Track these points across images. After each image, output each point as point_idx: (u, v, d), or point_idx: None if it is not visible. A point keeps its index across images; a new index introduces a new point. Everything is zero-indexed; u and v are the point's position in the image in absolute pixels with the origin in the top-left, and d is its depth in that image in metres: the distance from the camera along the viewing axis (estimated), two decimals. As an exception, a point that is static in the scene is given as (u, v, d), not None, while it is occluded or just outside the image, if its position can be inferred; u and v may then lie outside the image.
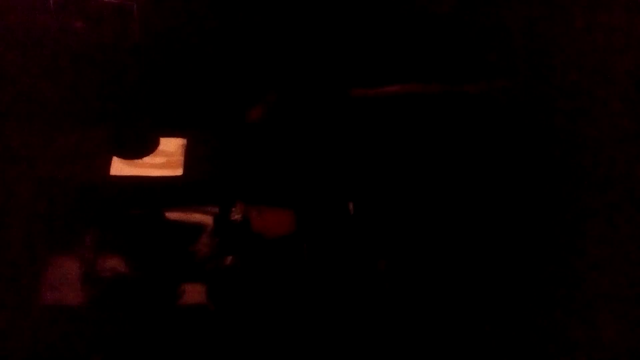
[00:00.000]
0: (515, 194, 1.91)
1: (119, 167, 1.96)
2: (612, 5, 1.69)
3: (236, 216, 1.88)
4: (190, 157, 2.02)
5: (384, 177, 1.96)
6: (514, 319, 1.81)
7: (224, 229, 1.87)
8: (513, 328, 1.80)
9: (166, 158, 2.01)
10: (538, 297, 1.80)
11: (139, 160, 1.98)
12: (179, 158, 2.02)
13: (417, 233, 1.91)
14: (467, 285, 1.86)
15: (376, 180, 1.96)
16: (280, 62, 1.99)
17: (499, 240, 1.89)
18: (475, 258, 1.89)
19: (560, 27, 1.80)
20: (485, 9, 1.88)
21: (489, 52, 1.92)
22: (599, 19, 1.72)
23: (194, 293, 1.78)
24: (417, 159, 1.96)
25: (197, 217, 1.89)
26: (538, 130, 1.90)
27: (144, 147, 2.00)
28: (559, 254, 1.80)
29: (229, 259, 1.84)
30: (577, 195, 1.78)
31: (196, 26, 1.94)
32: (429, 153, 1.95)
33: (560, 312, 1.76)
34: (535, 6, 1.84)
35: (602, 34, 1.71)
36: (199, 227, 1.87)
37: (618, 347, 1.62)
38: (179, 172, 1.99)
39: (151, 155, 2.00)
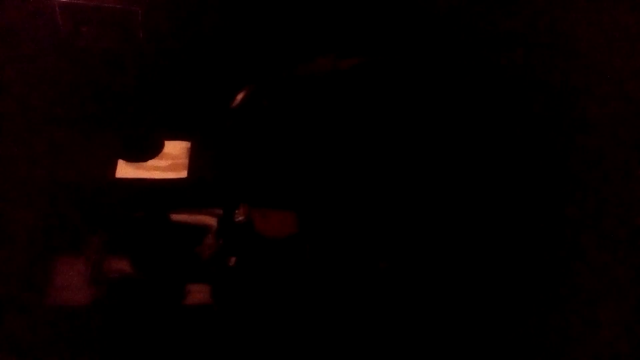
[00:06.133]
0: (515, 196, 1.92)
1: (125, 170, 1.98)
2: (612, 4, 1.69)
3: (240, 218, 1.89)
4: (194, 159, 2.04)
5: (386, 176, 1.98)
6: (513, 318, 1.82)
7: (228, 230, 1.89)
8: (513, 328, 1.81)
9: (171, 161, 2.03)
10: (538, 297, 1.81)
11: (144, 163, 2.00)
12: (184, 161, 2.04)
13: (419, 233, 1.93)
14: (467, 286, 1.87)
15: (378, 181, 1.97)
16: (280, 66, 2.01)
17: (499, 242, 1.90)
18: (476, 259, 1.90)
19: (562, 27, 1.81)
20: (482, 10, 1.89)
21: (485, 52, 1.93)
22: (598, 18, 1.72)
23: (198, 293, 1.79)
24: (416, 156, 1.97)
25: (201, 218, 1.90)
26: (536, 132, 1.91)
27: (149, 150, 2.02)
28: (558, 255, 1.81)
29: (233, 259, 1.85)
30: (578, 196, 1.79)
31: (200, 31, 1.96)
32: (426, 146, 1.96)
33: (561, 312, 1.76)
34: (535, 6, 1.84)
35: (602, 31, 1.71)
36: (203, 229, 1.89)
37: (618, 347, 1.62)
38: (183, 174, 2.01)
39: (156, 158, 2.02)
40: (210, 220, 1.90)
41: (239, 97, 1.91)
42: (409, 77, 1.99)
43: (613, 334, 1.63)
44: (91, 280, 1.76)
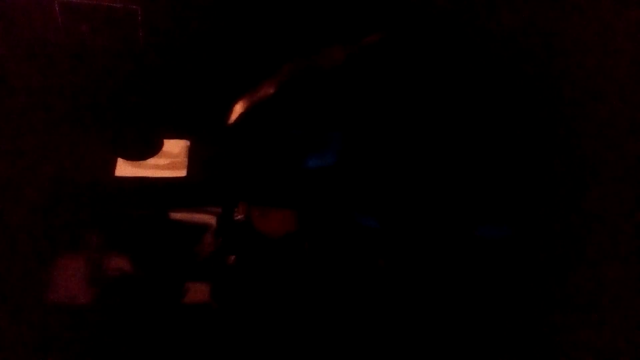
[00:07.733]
0: (516, 195, 1.92)
1: (124, 168, 1.98)
2: (609, 3, 1.70)
3: (239, 216, 1.90)
4: (193, 158, 2.04)
5: (386, 175, 1.98)
6: (514, 317, 1.82)
7: (227, 228, 1.89)
8: (513, 327, 1.81)
9: (170, 159, 2.03)
10: (538, 297, 1.81)
11: (143, 162, 2.00)
12: (183, 159, 2.04)
13: (417, 232, 1.93)
14: (467, 285, 1.87)
15: (378, 180, 1.97)
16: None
17: (499, 241, 1.90)
18: (476, 257, 1.90)
19: (559, 24, 1.81)
20: (481, 5, 1.89)
21: (484, 47, 1.93)
22: (597, 17, 1.72)
23: (197, 292, 1.80)
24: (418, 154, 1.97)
25: (200, 217, 1.91)
26: (537, 129, 1.91)
27: (148, 149, 2.02)
28: (559, 254, 1.81)
29: (232, 258, 1.85)
30: (578, 196, 1.79)
31: (200, 31, 1.96)
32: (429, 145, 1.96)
33: (560, 312, 1.76)
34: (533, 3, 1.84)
35: (600, 30, 1.71)
36: (202, 227, 1.89)
37: (618, 347, 1.62)
38: (182, 173, 2.01)
39: (155, 156, 2.02)
40: (210, 219, 1.91)
41: (236, 114, 1.91)
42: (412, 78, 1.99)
43: (613, 333, 1.63)
44: (90, 278, 1.77)
